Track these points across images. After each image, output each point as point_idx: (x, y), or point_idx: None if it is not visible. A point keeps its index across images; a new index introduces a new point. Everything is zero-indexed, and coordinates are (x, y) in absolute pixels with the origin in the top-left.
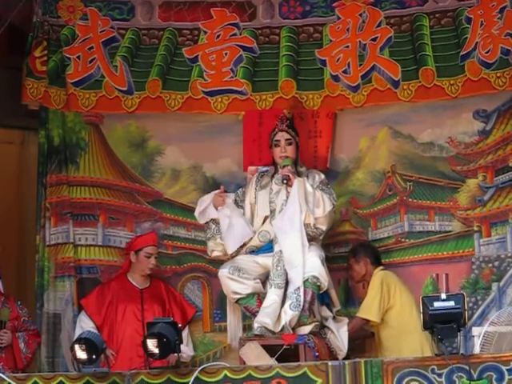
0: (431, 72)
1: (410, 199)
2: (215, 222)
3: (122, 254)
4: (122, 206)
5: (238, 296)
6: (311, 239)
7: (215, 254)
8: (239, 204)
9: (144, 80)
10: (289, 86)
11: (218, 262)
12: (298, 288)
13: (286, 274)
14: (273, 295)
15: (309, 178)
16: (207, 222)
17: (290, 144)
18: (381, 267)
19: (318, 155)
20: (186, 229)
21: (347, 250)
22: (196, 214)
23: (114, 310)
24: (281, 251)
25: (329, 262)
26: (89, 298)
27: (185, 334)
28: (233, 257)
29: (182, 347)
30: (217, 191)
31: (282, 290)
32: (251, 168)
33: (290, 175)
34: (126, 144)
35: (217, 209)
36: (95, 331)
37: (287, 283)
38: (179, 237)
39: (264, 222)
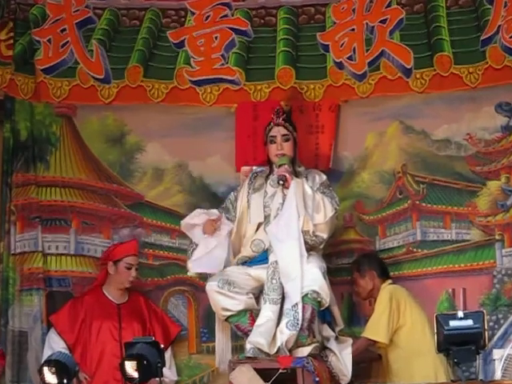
0: (447, 59)
1: (424, 204)
2: (194, 244)
3: (98, 264)
4: (98, 210)
5: (228, 313)
6: (310, 248)
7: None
8: (230, 217)
9: (123, 67)
10: (287, 74)
11: (206, 275)
12: (296, 304)
13: (282, 288)
14: (267, 312)
15: (308, 179)
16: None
17: (287, 140)
18: (389, 281)
19: (320, 153)
20: (170, 236)
21: (351, 262)
22: (182, 223)
23: (87, 327)
24: (276, 262)
25: (331, 274)
26: (59, 314)
27: (167, 355)
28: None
29: (165, 371)
30: (213, 217)
31: (278, 305)
32: (245, 168)
33: (287, 175)
34: (102, 139)
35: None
36: (67, 352)
37: (283, 298)
38: (162, 245)
39: (258, 229)
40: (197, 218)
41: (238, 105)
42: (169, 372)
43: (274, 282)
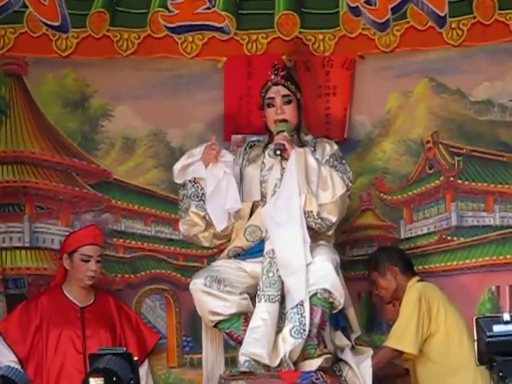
0: (491, 3)
1: (460, 180)
2: (196, 182)
3: (55, 258)
4: (55, 191)
5: (217, 318)
6: (318, 236)
7: (194, 232)
8: None
9: (84, 12)
10: (289, 21)
11: (190, 270)
12: (301, 304)
13: (282, 283)
14: (263, 313)
15: (316, 150)
16: (183, 185)
17: (288, 102)
18: (417, 277)
19: (332, 120)
20: (144, 222)
21: (369, 255)
22: (175, 168)
23: (43, 337)
24: (273, 251)
25: (345, 268)
26: (8, 320)
27: (143, 370)
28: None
29: None
30: (208, 143)
31: (276, 305)
32: (236, 137)
33: (286, 144)
34: (59, 103)
35: (207, 167)
36: (17, 367)
37: (283, 297)
38: (134, 233)
39: (252, 211)
40: (192, 157)
41: (228, 58)
42: None
43: (270, 275)
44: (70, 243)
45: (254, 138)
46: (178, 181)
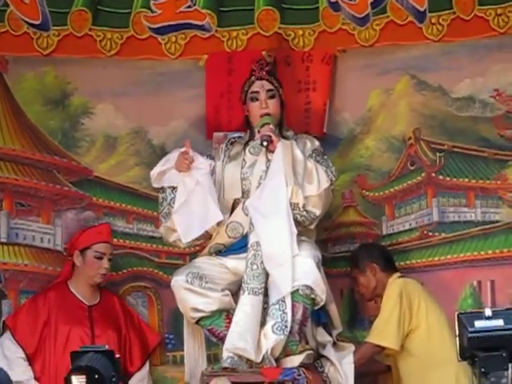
0: None
1: (441, 176)
2: (174, 188)
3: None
4: (35, 188)
5: (199, 314)
6: (301, 231)
7: (173, 238)
8: None
9: (66, 11)
10: (269, 17)
11: (172, 267)
12: (283, 300)
13: (266, 277)
14: (246, 306)
15: (298, 146)
16: (162, 188)
17: (272, 97)
18: (398, 274)
19: (311, 115)
20: (126, 220)
21: (352, 250)
22: (152, 173)
23: (51, 333)
24: (257, 243)
25: (326, 265)
26: (17, 316)
27: (144, 372)
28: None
29: None
30: (182, 149)
31: (260, 298)
32: (217, 135)
33: (272, 135)
34: (40, 100)
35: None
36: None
37: (267, 291)
38: (116, 231)
39: (233, 208)
40: (168, 162)
41: (209, 56)
42: None
43: (254, 267)
44: (82, 240)
45: (236, 135)
46: (156, 185)
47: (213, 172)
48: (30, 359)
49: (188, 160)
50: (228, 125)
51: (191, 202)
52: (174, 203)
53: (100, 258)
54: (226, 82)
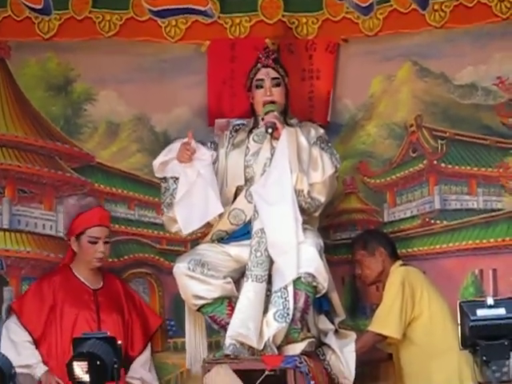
0: None
1: (443, 164)
2: (176, 179)
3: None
4: (38, 175)
5: (201, 301)
6: (304, 219)
7: (174, 228)
8: None
9: None
10: (273, 5)
11: (173, 254)
12: (285, 288)
13: (270, 264)
14: (249, 292)
15: (302, 133)
16: (165, 178)
17: (277, 85)
18: (400, 261)
19: (315, 104)
20: (128, 206)
21: (353, 238)
22: (154, 163)
23: (57, 317)
24: (262, 230)
25: (328, 252)
26: (23, 300)
27: (145, 355)
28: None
29: (144, 374)
30: (185, 139)
31: (263, 285)
32: (220, 121)
33: (277, 122)
34: (42, 87)
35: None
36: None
37: (270, 278)
38: (118, 217)
39: (236, 195)
40: (171, 152)
41: (211, 42)
42: (149, 376)
43: (258, 254)
44: (76, 226)
45: (239, 122)
46: (159, 175)
47: (215, 161)
48: (37, 343)
49: (190, 151)
50: (230, 112)
51: (192, 194)
52: (175, 194)
53: (94, 243)
54: (229, 69)
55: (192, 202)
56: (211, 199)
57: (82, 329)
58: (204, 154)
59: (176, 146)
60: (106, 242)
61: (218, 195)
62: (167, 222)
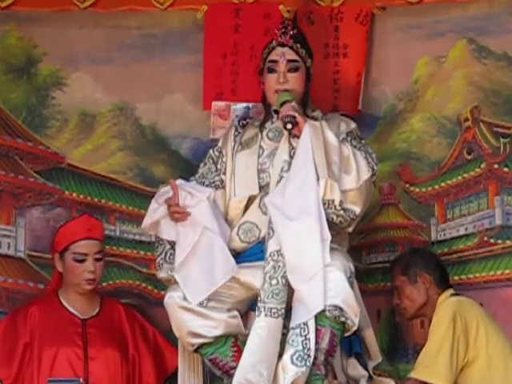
0: None
1: (506, 168)
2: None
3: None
4: None
5: (199, 340)
6: (331, 235)
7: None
8: (218, 183)
9: None
10: None
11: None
12: (306, 323)
13: (288, 294)
14: (263, 329)
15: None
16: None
17: (295, 70)
18: (451, 291)
19: (342, 87)
20: (107, 219)
21: (391, 262)
22: (144, 226)
23: (34, 357)
24: (278, 252)
25: (360, 279)
26: None
27: None
28: None
29: None
30: (168, 194)
31: (279, 320)
32: (217, 104)
33: (297, 115)
34: (0, 68)
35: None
36: None
37: (288, 312)
38: None
39: (248, 206)
40: (157, 212)
41: (209, 7)
42: None
43: (274, 282)
44: (59, 240)
45: (242, 106)
46: (150, 232)
47: (222, 166)
48: None
49: (180, 212)
50: (232, 94)
51: (196, 254)
52: (170, 257)
53: (81, 261)
54: (231, 41)
55: (195, 267)
56: (218, 258)
57: (61, 370)
58: (199, 198)
59: (162, 201)
60: (97, 259)
61: (227, 250)
62: (163, 280)
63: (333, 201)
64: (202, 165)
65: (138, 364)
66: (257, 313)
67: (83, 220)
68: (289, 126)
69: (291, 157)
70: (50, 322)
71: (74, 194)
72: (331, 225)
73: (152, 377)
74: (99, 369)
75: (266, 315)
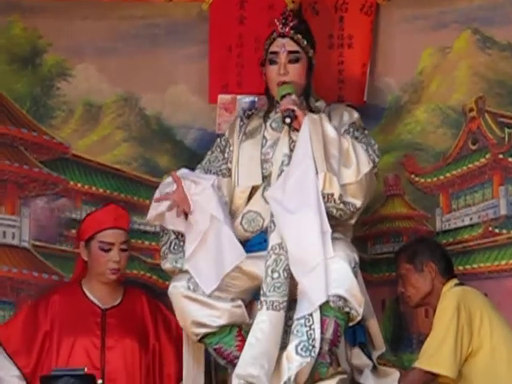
0: None
1: (511, 159)
2: (180, 234)
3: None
4: None
5: (203, 330)
6: (334, 225)
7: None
8: (225, 171)
9: None
10: None
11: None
12: (310, 314)
13: (290, 287)
14: (265, 323)
15: (332, 119)
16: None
17: (295, 61)
18: (455, 280)
19: (346, 78)
20: None
21: (397, 251)
22: (149, 218)
23: (53, 346)
24: (279, 245)
25: (365, 269)
26: (11, 325)
27: None
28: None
29: None
30: (168, 189)
31: (281, 313)
32: (223, 98)
33: (296, 109)
34: (4, 58)
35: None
36: None
37: (291, 304)
38: None
39: (251, 196)
40: (161, 206)
41: None
42: None
43: (275, 276)
44: (86, 228)
45: (248, 99)
46: (156, 223)
47: (228, 156)
48: (27, 378)
49: (182, 207)
50: (238, 86)
51: (207, 247)
52: (175, 248)
53: (107, 250)
54: (236, 33)
55: (209, 256)
56: (226, 244)
57: (78, 359)
58: (201, 185)
59: (167, 189)
60: (122, 250)
61: (234, 236)
62: (168, 271)
63: (332, 194)
64: (209, 152)
65: (158, 355)
66: (259, 306)
67: (110, 209)
68: (287, 120)
69: (291, 150)
70: (71, 311)
71: (79, 185)
72: (331, 218)
73: (173, 368)
74: (116, 358)
75: (267, 308)
